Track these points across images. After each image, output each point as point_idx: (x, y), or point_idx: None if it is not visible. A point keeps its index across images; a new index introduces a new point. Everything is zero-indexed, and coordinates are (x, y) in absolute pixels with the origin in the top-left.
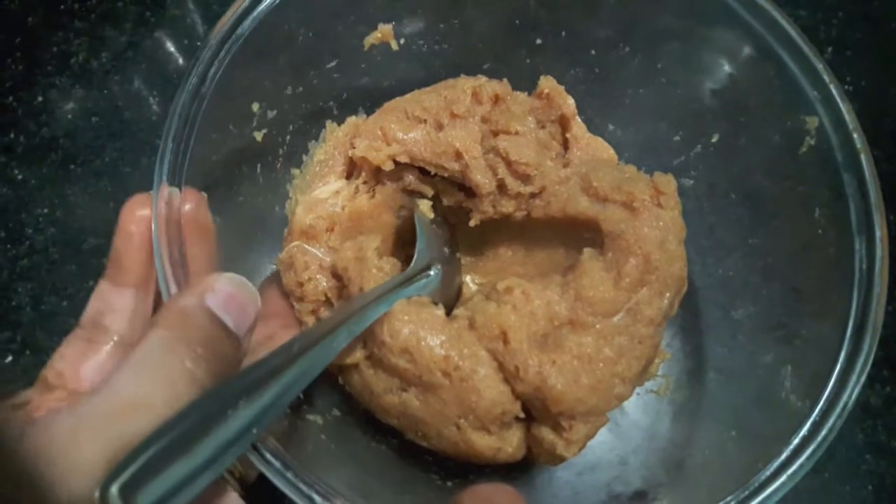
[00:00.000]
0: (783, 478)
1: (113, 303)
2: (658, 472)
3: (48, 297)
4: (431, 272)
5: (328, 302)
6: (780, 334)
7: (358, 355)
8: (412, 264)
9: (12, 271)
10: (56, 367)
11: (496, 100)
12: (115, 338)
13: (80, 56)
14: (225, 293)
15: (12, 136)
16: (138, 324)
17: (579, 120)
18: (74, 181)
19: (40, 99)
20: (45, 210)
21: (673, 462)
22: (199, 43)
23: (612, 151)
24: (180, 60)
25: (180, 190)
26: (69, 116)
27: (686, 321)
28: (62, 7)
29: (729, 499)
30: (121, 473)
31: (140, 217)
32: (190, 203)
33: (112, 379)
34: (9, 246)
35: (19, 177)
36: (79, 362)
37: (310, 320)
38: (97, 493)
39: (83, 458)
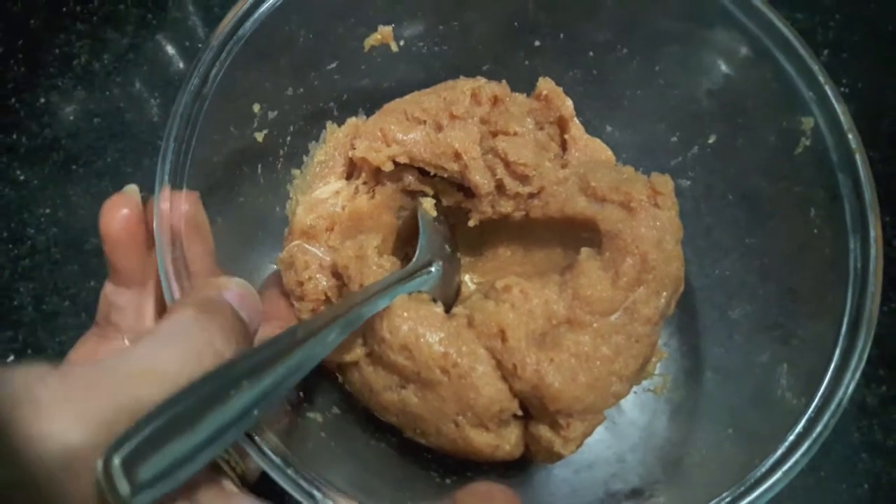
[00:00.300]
0: (778, 474)
1: (117, 302)
2: (655, 470)
3: (50, 297)
4: (433, 268)
5: (328, 301)
6: (776, 334)
7: (358, 352)
8: (414, 259)
9: (14, 271)
10: (71, 360)
11: (495, 101)
12: (128, 335)
13: (82, 58)
14: (238, 293)
15: (14, 136)
16: (143, 319)
17: (577, 121)
18: (76, 181)
19: (42, 100)
20: (47, 210)
21: (670, 460)
22: (199, 45)
23: (609, 152)
24: (181, 63)
25: (181, 190)
26: (71, 118)
27: (683, 321)
28: (64, 9)
29: (725, 495)
30: (123, 445)
31: (121, 217)
32: (187, 204)
33: (137, 345)
34: (11, 246)
35: (21, 177)
36: (92, 356)
37: None
38: (100, 464)
39: (94, 407)
